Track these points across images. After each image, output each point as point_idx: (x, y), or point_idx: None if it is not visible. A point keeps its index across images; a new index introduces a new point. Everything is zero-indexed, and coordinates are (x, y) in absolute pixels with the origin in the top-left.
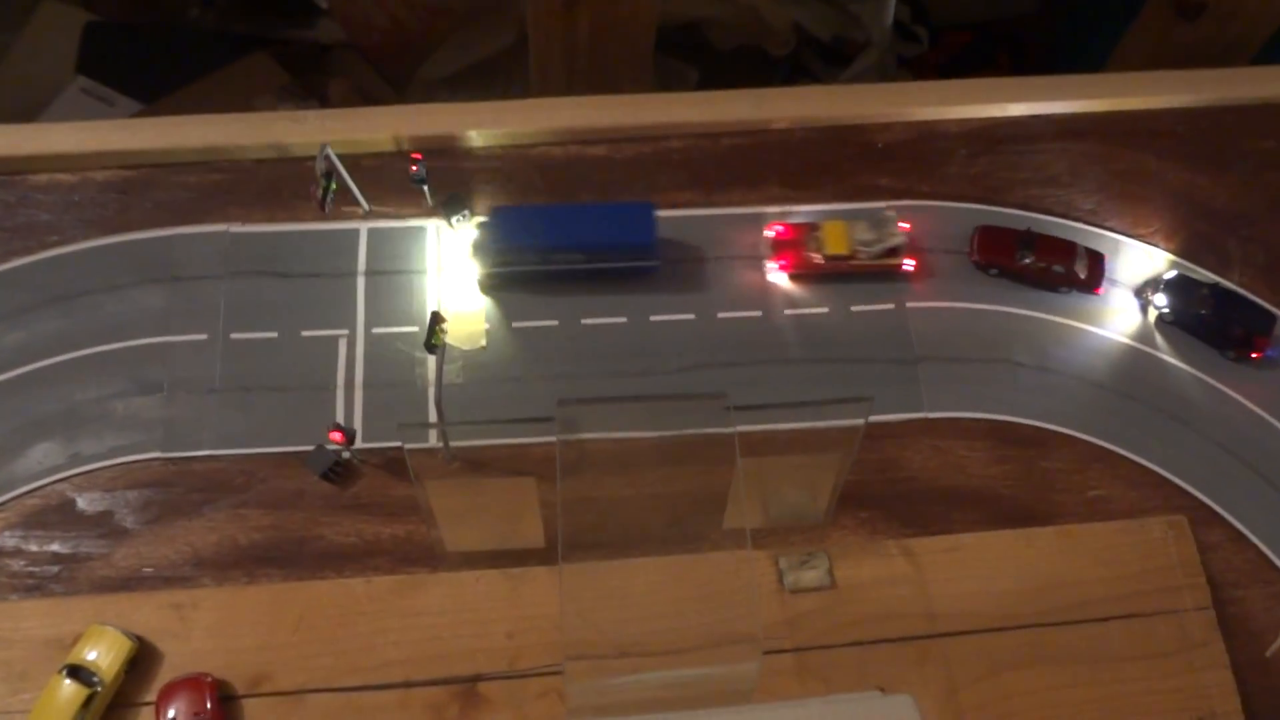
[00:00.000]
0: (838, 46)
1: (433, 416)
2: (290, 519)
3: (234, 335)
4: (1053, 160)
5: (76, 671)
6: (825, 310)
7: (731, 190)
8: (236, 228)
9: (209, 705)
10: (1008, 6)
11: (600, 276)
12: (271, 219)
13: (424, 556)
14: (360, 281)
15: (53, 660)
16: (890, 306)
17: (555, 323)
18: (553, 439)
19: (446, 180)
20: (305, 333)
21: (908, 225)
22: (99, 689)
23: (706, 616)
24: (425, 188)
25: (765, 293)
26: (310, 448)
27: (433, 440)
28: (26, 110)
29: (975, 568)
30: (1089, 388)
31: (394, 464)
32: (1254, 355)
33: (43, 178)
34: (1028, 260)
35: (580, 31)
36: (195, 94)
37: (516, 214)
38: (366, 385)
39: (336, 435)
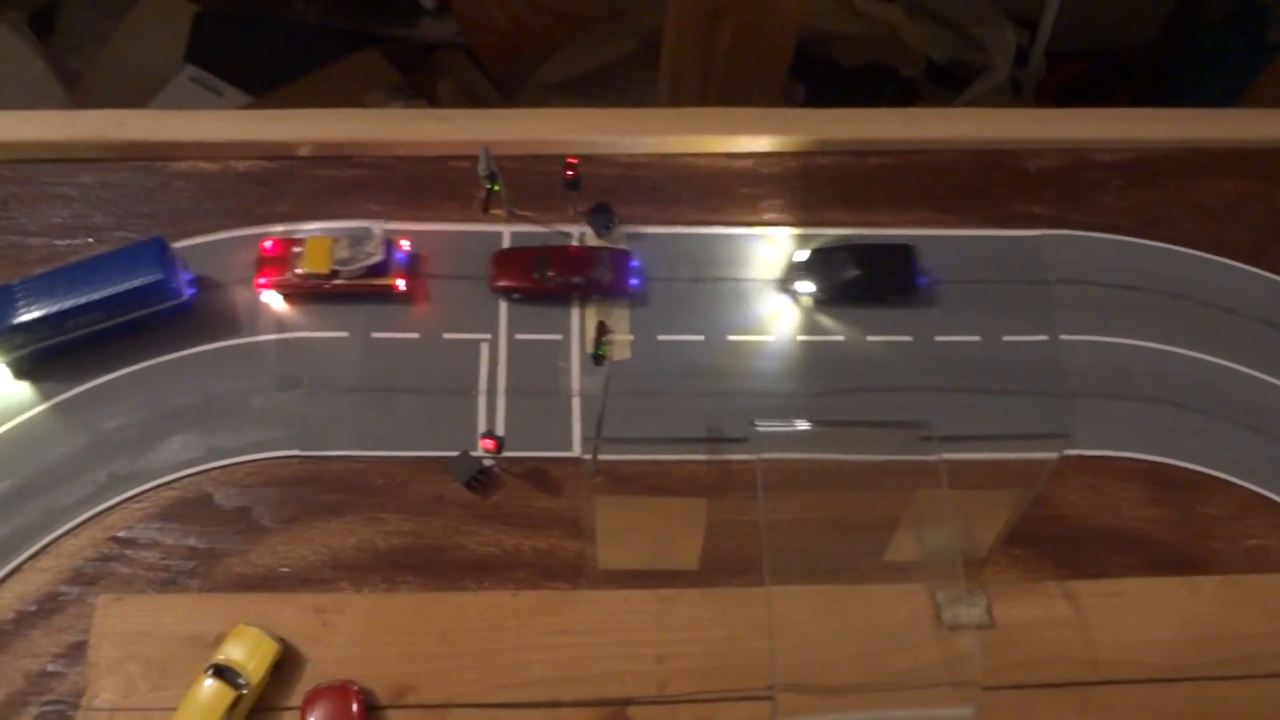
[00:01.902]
0: (951, 69)
1: (579, 428)
2: (430, 526)
3: (375, 334)
4: (1209, 196)
5: (222, 672)
6: (977, 339)
7: (880, 210)
8: (378, 225)
9: (356, 715)
10: (1124, 36)
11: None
12: (413, 217)
13: (566, 572)
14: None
15: (193, 658)
16: (1044, 338)
17: (702, 337)
18: (702, 458)
19: (589, 187)
20: (447, 335)
21: (408, 243)
22: (245, 691)
23: (901, 647)
24: (574, 194)
25: (912, 316)
26: (451, 453)
27: (576, 450)
28: (136, 96)
29: (1138, 614)
30: (1247, 431)
31: (536, 475)
32: (907, 292)
33: (184, 164)
34: (548, 275)
35: (720, 41)
36: (306, 88)
37: (6, 293)
38: (509, 392)
39: (489, 443)
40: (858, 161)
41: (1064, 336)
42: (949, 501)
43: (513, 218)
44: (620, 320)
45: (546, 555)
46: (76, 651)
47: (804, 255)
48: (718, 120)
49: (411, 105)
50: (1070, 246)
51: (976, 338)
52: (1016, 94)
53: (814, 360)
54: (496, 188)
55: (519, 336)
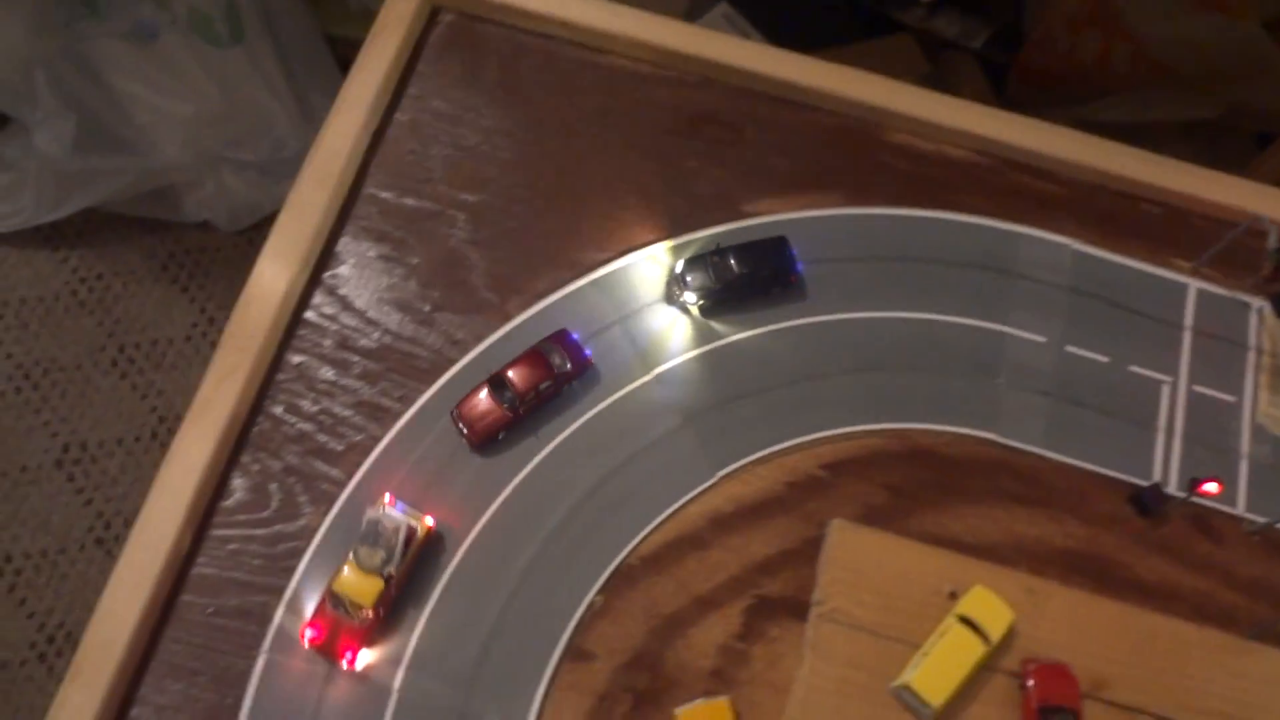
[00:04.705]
0: None
1: (1244, 490)
2: (1103, 539)
3: (1069, 348)
4: None
5: (971, 625)
6: None
7: None
8: (1078, 245)
9: (1076, 694)
10: None
11: None
12: (1105, 246)
13: (1218, 617)
14: (1185, 336)
15: (921, 600)
16: None
17: None
18: None
19: (1252, 259)
20: (1132, 368)
21: (390, 499)
22: (990, 648)
23: None
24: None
25: None
26: (1120, 476)
27: (1239, 508)
28: (666, 8)
29: None
30: None
31: (1199, 520)
32: (792, 280)
33: (899, 137)
34: (518, 398)
35: None
36: (840, 58)
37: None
38: (1185, 437)
39: (1212, 488)
40: None
41: None
42: None
43: (1197, 273)
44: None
45: (1203, 597)
46: (785, 558)
47: (680, 264)
48: None
49: None
50: None
51: None
52: None
53: None
54: None
55: (1197, 388)
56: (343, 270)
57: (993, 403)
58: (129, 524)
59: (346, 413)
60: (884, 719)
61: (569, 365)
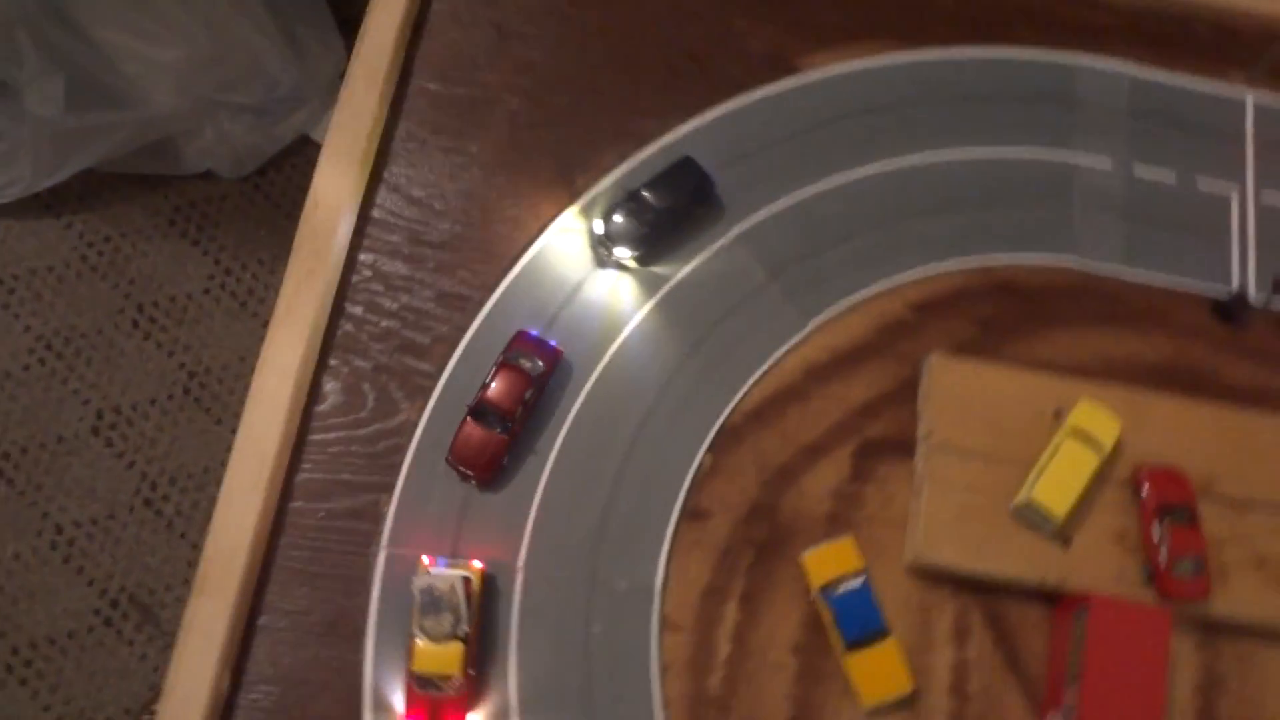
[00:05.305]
0: None
1: None
2: (1190, 350)
3: (1136, 170)
4: None
5: (1082, 436)
6: None
7: None
8: (1134, 69)
9: (1189, 493)
10: None
11: None
12: (1160, 68)
13: None
14: (1248, 147)
15: (1033, 423)
16: None
17: None
18: None
19: None
20: (1200, 182)
21: (430, 560)
22: (1102, 458)
23: None
24: None
25: None
26: (1206, 289)
27: None
28: None
29: None
30: None
31: None
32: (715, 193)
33: None
34: (507, 417)
35: None
36: None
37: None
38: (1259, 244)
39: None
40: None
41: None
42: None
43: (1253, 85)
44: None
45: None
46: (885, 400)
47: (599, 223)
48: None
49: None
50: None
51: None
52: None
53: None
54: None
55: (1265, 196)
56: (403, 166)
57: (1068, 231)
58: (174, 482)
59: (428, 306)
60: (1006, 538)
61: (541, 364)
